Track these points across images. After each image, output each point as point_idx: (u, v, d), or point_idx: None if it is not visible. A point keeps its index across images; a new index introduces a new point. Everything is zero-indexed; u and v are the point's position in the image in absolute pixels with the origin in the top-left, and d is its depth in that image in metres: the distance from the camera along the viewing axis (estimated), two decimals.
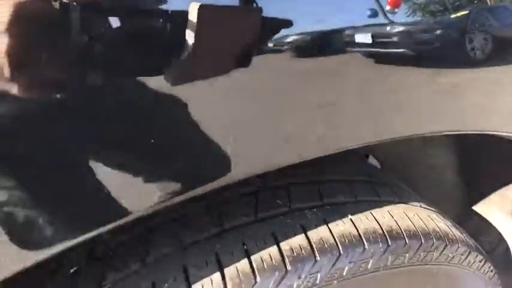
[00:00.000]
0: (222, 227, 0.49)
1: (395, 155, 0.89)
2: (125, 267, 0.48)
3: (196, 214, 0.52)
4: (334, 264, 0.47)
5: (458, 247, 0.59)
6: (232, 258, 0.46)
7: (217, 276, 0.45)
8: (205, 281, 0.45)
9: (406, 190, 0.67)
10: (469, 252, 0.61)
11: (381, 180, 0.66)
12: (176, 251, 0.48)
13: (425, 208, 0.63)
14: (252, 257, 0.46)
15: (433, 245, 0.55)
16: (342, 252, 0.48)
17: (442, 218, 0.64)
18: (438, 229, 0.58)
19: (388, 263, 0.51)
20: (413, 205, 0.61)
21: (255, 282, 0.45)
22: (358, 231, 0.51)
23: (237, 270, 0.45)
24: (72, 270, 0.49)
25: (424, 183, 0.94)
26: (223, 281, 0.45)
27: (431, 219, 0.60)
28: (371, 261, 0.49)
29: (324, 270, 0.47)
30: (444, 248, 0.57)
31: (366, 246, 0.50)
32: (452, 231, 0.61)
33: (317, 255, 0.47)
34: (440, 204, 0.71)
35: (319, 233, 0.49)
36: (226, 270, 0.45)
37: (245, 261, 0.46)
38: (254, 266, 0.46)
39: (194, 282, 0.45)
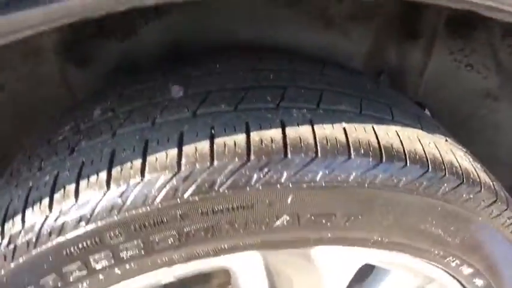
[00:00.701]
0: (195, 112, 0.45)
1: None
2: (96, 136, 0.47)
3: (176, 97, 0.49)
4: (306, 166, 0.41)
5: (480, 191, 0.49)
6: (194, 139, 0.42)
7: (173, 152, 0.42)
8: (161, 154, 0.42)
9: (434, 124, 0.57)
10: (494, 202, 0.50)
11: (404, 105, 0.57)
12: (144, 126, 0.46)
13: (451, 143, 0.53)
14: (215, 140, 0.42)
15: (443, 177, 0.46)
16: (319, 155, 0.42)
17: (471, 158, 0.53)
18: (457, 165, 0.48)
19: (377, 181, 0.43)
20: (434, 135, 0.51)
21: (211, 164, 0.41)
22: (347, 139, 0.44)
23: (196, 150, 0.41)
24: None
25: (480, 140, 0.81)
26: (178, 157, 0.41)
27: (453, 153, 0.50)
28: (354, 174, 0.42)
29: (293, 170, 0.41)
30: (458, 186, 0.47)
31: (352, 157, 0.43)
32: (477, 173, 0.50)
33: (288, 152, 0.41)
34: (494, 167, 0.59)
35: (298, 131, 0.43)
36: (185, 148, 0.42)
37: (206, 142, 0.42)
38: (214, 148, 0.41)
39: (150, 154, 0.42)
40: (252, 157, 0.41)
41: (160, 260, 0.45)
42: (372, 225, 0.46)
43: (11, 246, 0.43)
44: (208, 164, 0.41)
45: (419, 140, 0.48)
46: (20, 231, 0.43)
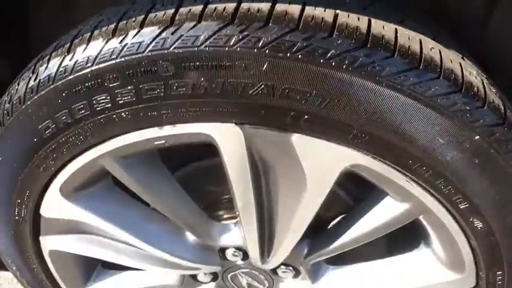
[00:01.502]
0: None
1: None
2: None
3: None
4: (284, 35, 0.42)
5: (481, 107, 0.46)
6: (192, 3, 0.46)
7: (171, 11, 0.46)
8: (160, 13, 0.47)
9: (459, 48, 0.53)
10: (499, 124, 0.46)
11: (426, 21, 0.54)
12: None
13: (467, 62, 0.49)
14: (209, 5, 0.45)
15: (434, 79, 0.44)
16: (300, 27, 0.43)
17: (486, 80, 0.49)
18: (459, 74, 0.46)
19: (356, 65, 0.43)
20: (446, 47, 0.48)
21: (198, 22, 0.44)
22: (335, 21, 0.44)
23: (189, 11, 0.46)
24: None
25: None
26: (173, 15, 0.46)
27: (460, 65, 0.47)
28: (332, 52, 0.42)
29: (270, 36, 0.43)
30: (451, 93, 0.44)
31: (334, 35, 0.43)
32: (484, 91, 0.47)
33: (271, 21, 0.43)
34: None
35: (287, 7, 0.44)
36: (181, 9, 0.46)
37: (200, 6, 0.46)
38: (206, 11, 0.45)
39: (152, 13, 0.47)
40: (236, 21, 0.44)
41: (151, 114, 0.50)
42: (349, 114, 0.45)
43: (37, 80, 0.52)
44: (196, 22, 0.44)
45: (420, 42, 0.46)
46: (45, 68, 0.52)
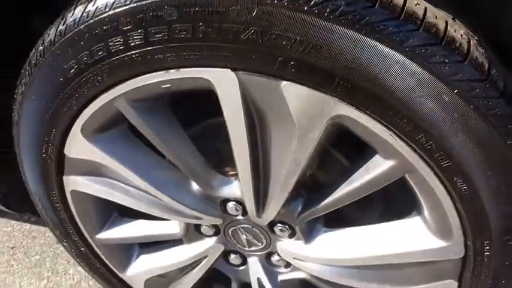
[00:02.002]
0: None
1: None
2: None
3: None
4: None
5: (461, 62, 0.47)
6: None
7: None
8: None
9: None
10: (480, 80, 0.48)
11: None
12: None
13: (457, 23, 0.51)
14: None
15: (413, 30, 0.46)
16: None
17: (475, 41, 0.50)
18: (441, 29, 0.48)
19: (338, 13, 0.46)
20: (434, 7, 0.50)
21: None
22: None
23: None
24: None
25: None
26: None
27: (445, 22, 0.49)
28: (315, 0, 0.46)
29: None
30: (430, 45, 0.46)
31: None
32: (468, 47, 0.48)
33: None
34: None
35: None
36: None
37: None
38: None
39: None
40: None
41: (157, 57, 0.56)
42: (331, 61, 0.49)
43: (65, 25, 0.60)
44: None
45: None
46: (72, 14, 0.59)
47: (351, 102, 0.52)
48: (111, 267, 0.97)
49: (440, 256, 0.65)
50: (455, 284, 0.69)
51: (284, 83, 0.53)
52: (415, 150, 0.54)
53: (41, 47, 0.64)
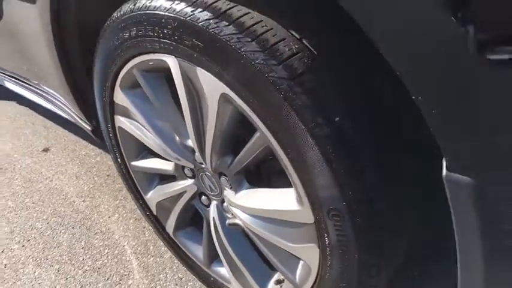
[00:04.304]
0: None
1: None
2: None
3: None
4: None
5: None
6: None
7: None
8: None
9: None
10: None
11: None
12: None
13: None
14: None
15: None
16: None
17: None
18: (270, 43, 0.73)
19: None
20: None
21: None
22: None
23: None
24: None
25: None
26: None
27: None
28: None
29: None
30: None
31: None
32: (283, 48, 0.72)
33: None
34: None
35: None
36: None
37: None
38: None
39: None
40: None
41: (145, 45, 0.94)
42: (212, 54, 0.79)
43: (117, 13, 1.03)
44: None
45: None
46: (121, 9, 1.02)
47: (231, 88, 0.80)
48: (139, 188, 1.42)
49: (300, 218, 0.87)
50: (317, 249, 0.88)
51: (198, 68, 0.85)
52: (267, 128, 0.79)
53: (106, 24, 1.08)
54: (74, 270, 1.60)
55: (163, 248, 1.63)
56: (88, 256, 1.65)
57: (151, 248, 1.66)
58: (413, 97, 0.53)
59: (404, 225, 0.82)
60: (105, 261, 1.62)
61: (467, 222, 0.57)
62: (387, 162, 0.75)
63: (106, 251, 1.67)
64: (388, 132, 0.76)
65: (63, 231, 1.78)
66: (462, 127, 0.51)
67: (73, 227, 1.80)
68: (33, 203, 1.96)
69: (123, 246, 1.68)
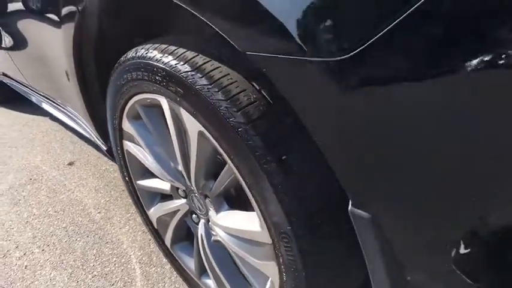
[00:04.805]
0: None
1: None
2: None
3: None
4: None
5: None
6: None
7: None
8: None
9: None
10: None
11: None
12: None
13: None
14: None
15: None
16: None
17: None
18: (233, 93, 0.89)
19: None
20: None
21: None
22: None
23: None
24: None
25: None
26: None
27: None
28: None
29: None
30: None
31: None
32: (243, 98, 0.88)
33: None
34: None
35: None
36: None
37: None
38: None
39: None
40: None
41: (142, 85, 1.13)
42: (191, 101, 0.96)
43: (124, 58, 1.23)
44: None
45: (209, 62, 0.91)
46: (126, 55, 1.22)
47: (205, 127, 0.97)
48: (143, 204, 1.60)
49: (262, 239, 1.01)
50: (276, 267, 1.02)
51: (181, 108, 1.02)
52: (231, 162, 0.95)
53: (116, 65, 1.28)
54: (85, 274, 1.78)
55: (164, 260, 1.80)
56: (98, 263, 1.84)
57: (154, 258, 1.83)
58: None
59: (347, 248, 0.95)
60: (113, 268, 1.81)
61: (371, 252, 0.70)
62: (328, 192, 0.89)
63: (114, 259, 1.85)
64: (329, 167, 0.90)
65: (78, 239, 1.99)
66: (356, 173, 0.65)
67: (87, 236, 2.00)
68: (55, 212, 2.19)
69: (130, 255, 1.86)
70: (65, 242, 1.97)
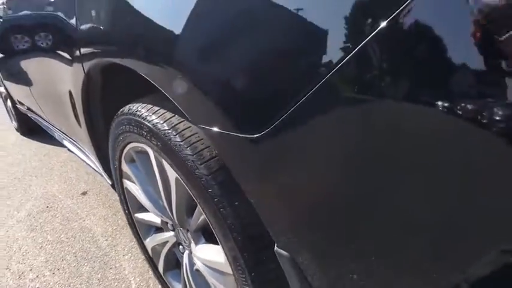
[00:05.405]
0: None
1: None
2: None
3: None
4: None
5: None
6: None
7: None
8: None
9: None
10: None
11: None
12: None
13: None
14: None
15: None
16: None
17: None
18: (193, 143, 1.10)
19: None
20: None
21: None
22: None
23: None
24: None
25: None
26: None
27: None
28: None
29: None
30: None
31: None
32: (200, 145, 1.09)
33: None
34: None
35: None
36: None
37: None
38: None
39: None
40: None
41: (134, 136, 1.35)
42: (169, 152, 1.17)
43: (121, 111, 1.47)
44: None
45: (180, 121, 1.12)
46: (123, 109, 1.45)
47: (179, 175, 1.18)
48: (140, 234, 1.80)
49: (226, 270, 1.19)
50: None
51: (162, 158, 1.24)
52: (199, 205, 1.15)
53: (115, 116, 1.52)
54: None
55: (159, 286, 1.98)
56: (101, 287, 2.03)
57: (151, 285, 2.01)
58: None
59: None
60: None
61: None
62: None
63: (116, 283, 2.05)
64: None
65: (85, 264, 2.20)
66: (273, 219, 0.84)
67: (94, 261, 2.20)
68: (67, 238, 2.41)
69: (130, 281, 2.05)
70: (73, 266, 2.19)
